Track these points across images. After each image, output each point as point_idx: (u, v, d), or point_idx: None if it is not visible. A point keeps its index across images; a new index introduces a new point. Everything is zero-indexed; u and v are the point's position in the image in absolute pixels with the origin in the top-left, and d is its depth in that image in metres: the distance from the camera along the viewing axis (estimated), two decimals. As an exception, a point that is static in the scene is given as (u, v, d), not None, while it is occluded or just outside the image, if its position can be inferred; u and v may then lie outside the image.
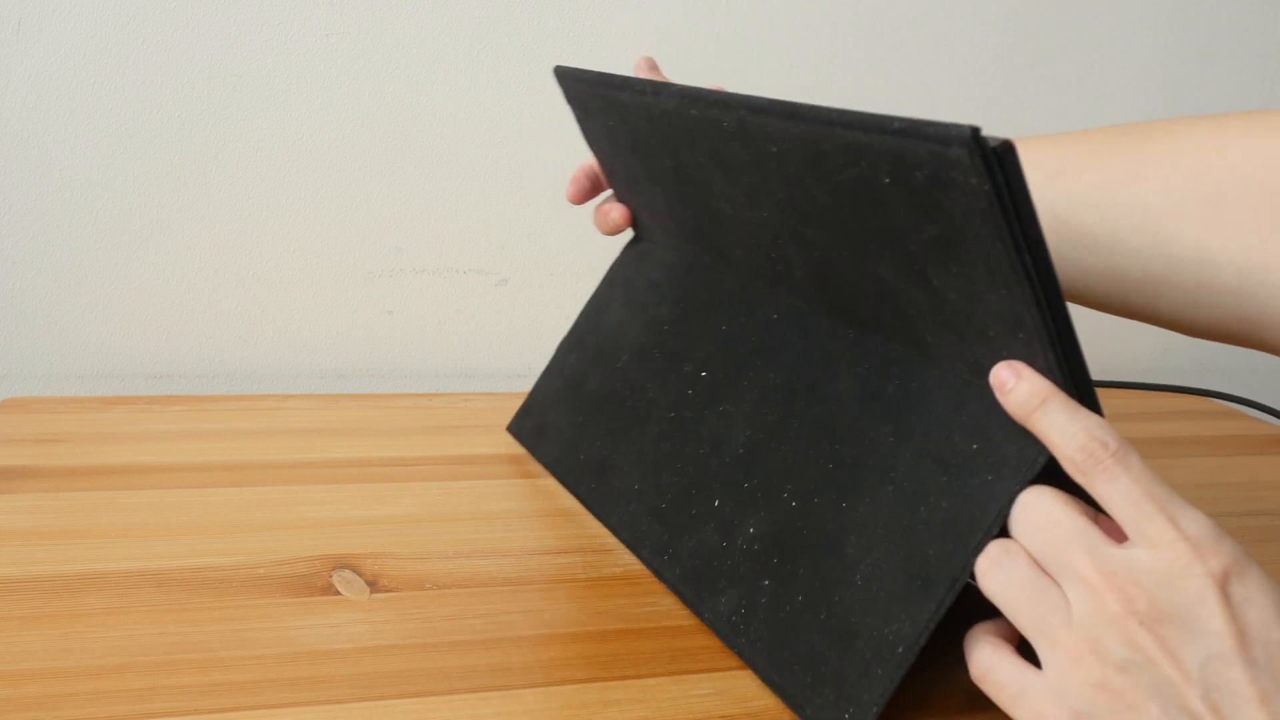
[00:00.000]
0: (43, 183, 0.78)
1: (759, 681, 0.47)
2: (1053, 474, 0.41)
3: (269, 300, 0.84)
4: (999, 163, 0.37)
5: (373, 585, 0.53)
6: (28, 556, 0.53)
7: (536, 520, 0.61)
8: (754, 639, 0.48)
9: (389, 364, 0.87)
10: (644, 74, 0.66)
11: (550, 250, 0.88)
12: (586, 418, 0.64)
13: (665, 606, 0.53)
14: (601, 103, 0.59)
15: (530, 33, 0.83)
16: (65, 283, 0.80)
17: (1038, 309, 0.39)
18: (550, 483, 0.66)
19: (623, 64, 0.86)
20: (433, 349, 0.88)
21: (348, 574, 0.54)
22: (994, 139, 0.37)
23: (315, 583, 0.52)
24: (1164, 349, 1.05)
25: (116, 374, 0.82)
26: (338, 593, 0.52)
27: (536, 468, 0.67)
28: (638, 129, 0.57)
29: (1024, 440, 0.42)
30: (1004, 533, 0.42)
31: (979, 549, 0.41)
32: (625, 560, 0.57)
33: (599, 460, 0.61)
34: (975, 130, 0.36)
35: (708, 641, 0.50)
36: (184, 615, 0.49)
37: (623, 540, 0.57)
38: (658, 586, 0.54)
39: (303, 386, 0.86)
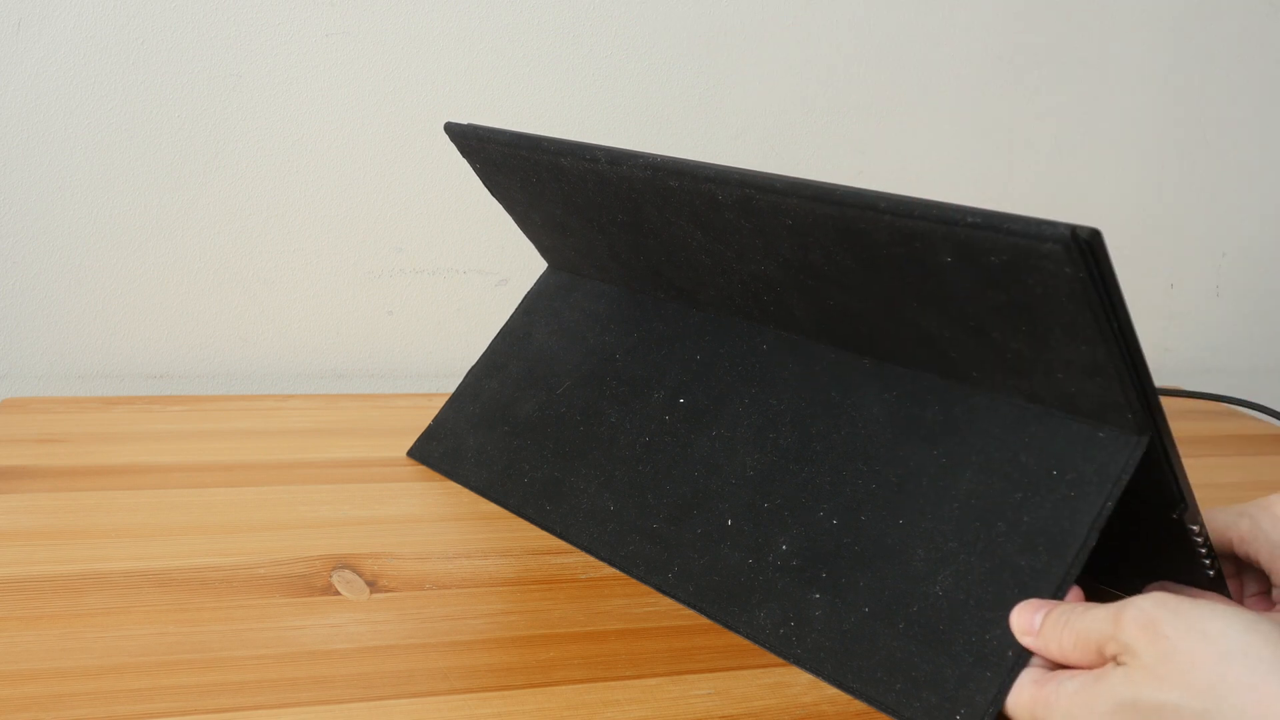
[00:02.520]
0: (43, 183, 0.78)
1: (761, 682, 0.47)
2: (1150, 480, 0.45)
3: (269, 300, 0.84)
4: (1090, 251, 0.39)
5: (373, 585, 0.53)
6: (28, 556, 0.53)
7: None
8: (814, 648, 0.49)
9: (389, 364, 0.87)
10: None
11: (550, 250, 0.88)
12: (524, 441, 0.63)
13: (665, 607, 0.53)
14: (518, 162, 0.59)
15: (531, 32, 0.83)
16: (65, 283, 0.80)
17: (1121, 360, 0.42)
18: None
19: (623, 63, 0.86)
20: (433, 349, 0.88)
21: (348, 574, 0.54)
22: (1084, 229, 0.39)
23: (315, 583, 0.52)
24: (1164, 350, 1.05)
25: (116, 374, 0.82)
26: (338, 593, 0.52)
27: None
28: (576, 188, 0.58)
29: (1102, 458, 0.45)
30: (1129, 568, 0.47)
31: (1078, 561, 0.44)
32: (625, 560, 0.57)
33: (550, 482, 0.61)
34: (1073, 229, 0.39)
35: (708, 641, 0.50)
36: (184, 615, 0.49)
37: (602, 558, 0.57)
38: (658, 586, 0.54)
39: (303, 386, 0.86)
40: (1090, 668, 0.42)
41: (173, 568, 0.53)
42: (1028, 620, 0.44)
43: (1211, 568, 0.49)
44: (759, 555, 0.52)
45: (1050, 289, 0.41)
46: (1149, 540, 0.49)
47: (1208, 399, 0.90)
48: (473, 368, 0.69)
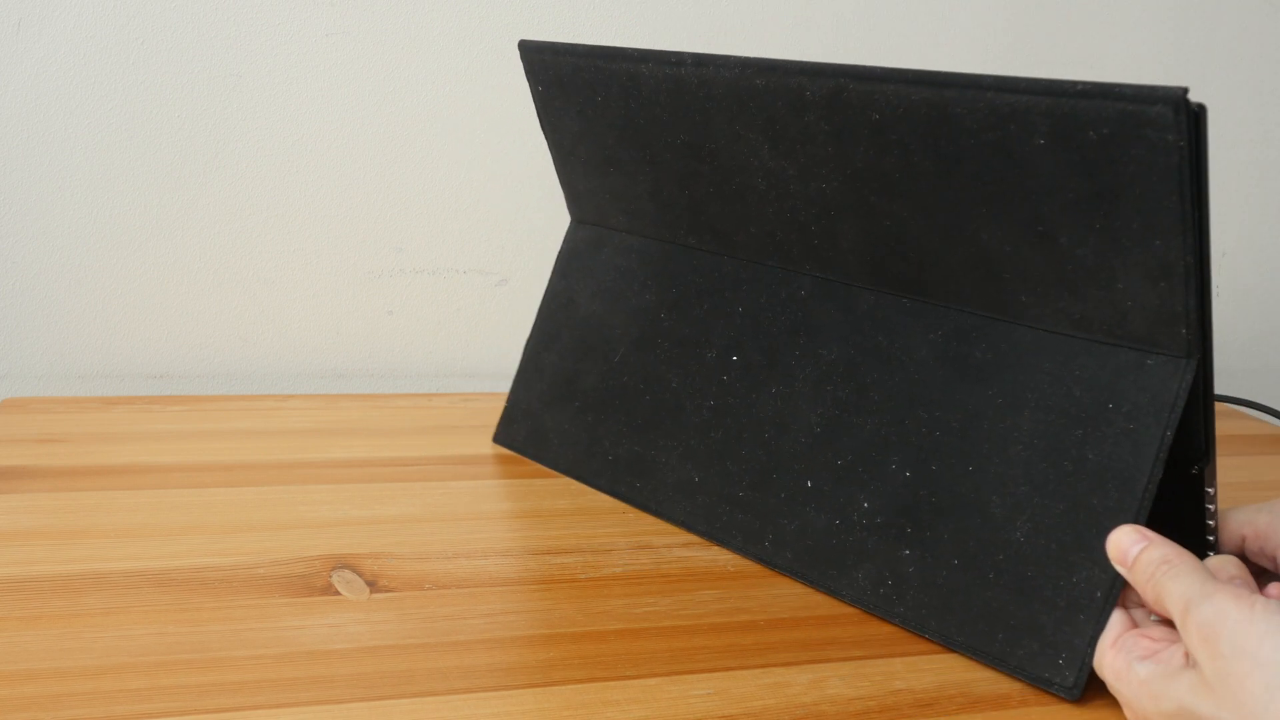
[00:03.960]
0: (43, 183, 0.78)
1: (761, 682, 0.47)
2: (1185, 418, 0.45)
3: (269, 300, 0.84)
4: (1196, 123, 0.39)
5: (372, 585, 0.53)
6: (28, 556, 0.53)
7: (536, 520, 0.61)
8: (915, 606, 0.50)
9: (389, 364, 0.87)
10: None
11: (550, 250, 0.88)
12: (598, 416, 0.64)
13: (665, 607, 0.53)
14: (590, 76, 0.59)
15: (530, 32, 0.83)
16: (65, 283, 0.80)
17: (1195, 258, 0.42)
18: (549, 482, 0.65)
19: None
20: (433, 349, 0.88)
21: (348, 574, 0.53)
22: (1194, 101, 0.39)
23: (315, 583, 0.52)
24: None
25: (116, 374, 0.82)
26: (337, 593, 0.52)
27: (534, 467, 0.67)
28: (645, 104, 0.57)
29: (1155, 386, 0.45)
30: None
31: (1148, 494, 0.45)
32: (625, 560, 0.57)
33: (633, 457, 0.62)
34: (1185, 90, 0.39)
35: (707, 642, 0.50)
36: (184, 615, 0.49)
37: (699, 532, 0.58)
38: (656, 587, 0.54)
39: (303, 386, 0.86)
40: (1166, 622, 0.44)
41: (173, 568, 0.53)
42: (1123, 550, 0.45)
43: (1213, 547, 0.50)
44: (844, 515, 0.53)
45: (1144, 165, 0.41)
46: (1157, 498, 0.49)
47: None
48: (528, 341, 0.69)
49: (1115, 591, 0.45)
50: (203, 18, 0.78)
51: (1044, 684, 0.46)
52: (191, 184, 0.80)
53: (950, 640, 0.49)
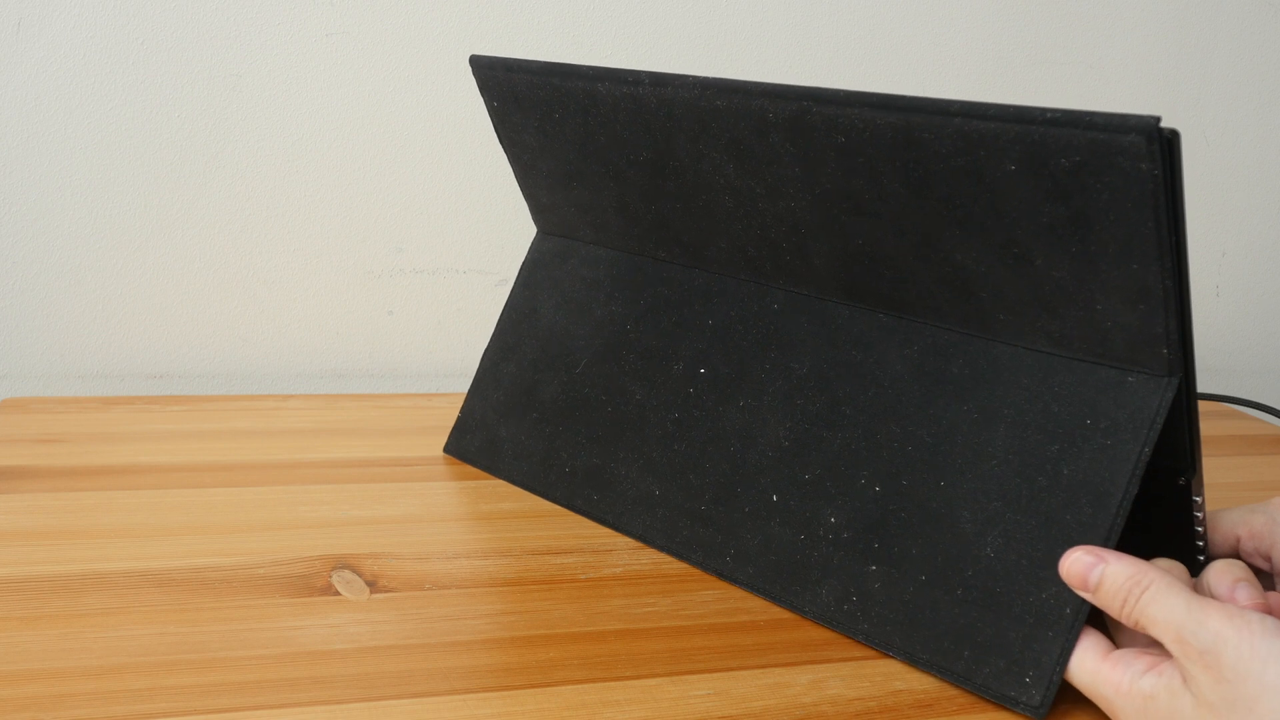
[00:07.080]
0: (43, 183, 0.78)
1: (761, 682, 0.47)
2: (1168, 433, 0.45)
3: (269, 300, 0.84)
4: (1169, 149, 0.39)
5: (372, 585, 0.53)
6: (28, 556, 0.53)
7: (536, 520, 0.61)
8: (879, 622, 0.49)
9: (389, 364, 0.87)
10: None
11: (550, 250, 0.88)
12: (556, 428, 0.63)
13: (665, 607, 0.53)
14: (545, 94, 0.58)
15: (531, 33, 0.83)
16: (65, 283, 0.80)
17: (1173, 281, 0.42)
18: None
19: (622, 64, 0.85)
20: (433, 349, 0.88)
21: (347, 574, 0.54)
22: (1166, 128, 0.39)
23: (315, 583, 0.52)
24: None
25: (116, 374, 0.82)
26: (337, 593, 0.52)
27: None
28: (605, 122, 0.56)
29: (1135, 403, 0.45)
30: (1129, 530, 0.46)
31: (1122, 510, 0.44)
32: (625, 560, 0.57)
33: (591, 470, 0.61)
34: (1158, 119, 0.39)
35: (708, 642, 0.50)
36: (184, 615, 0.49)
37: (658, 546, 0.57)
38: (656, 587, 0.54)
39: (303, 386, 0.86)
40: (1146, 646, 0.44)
41: (173, 568, 0.53)
42: (1080, 575, 0.44)
43: (1203, 553, 0.49)
44: (809, 530, 0.52)
45: (1118, 193, 0.41)
46: (1146, 510, 0.49)
47: (1208, 399, 0.90)
48: (486, 350, 0.68)
49: (1085, 607, 0.45)
50: (203, 18, 0.78)
51: (1010, 703, 0.45)
52: (191, 184, 0.80)
53: (915, 658, 0.48)
